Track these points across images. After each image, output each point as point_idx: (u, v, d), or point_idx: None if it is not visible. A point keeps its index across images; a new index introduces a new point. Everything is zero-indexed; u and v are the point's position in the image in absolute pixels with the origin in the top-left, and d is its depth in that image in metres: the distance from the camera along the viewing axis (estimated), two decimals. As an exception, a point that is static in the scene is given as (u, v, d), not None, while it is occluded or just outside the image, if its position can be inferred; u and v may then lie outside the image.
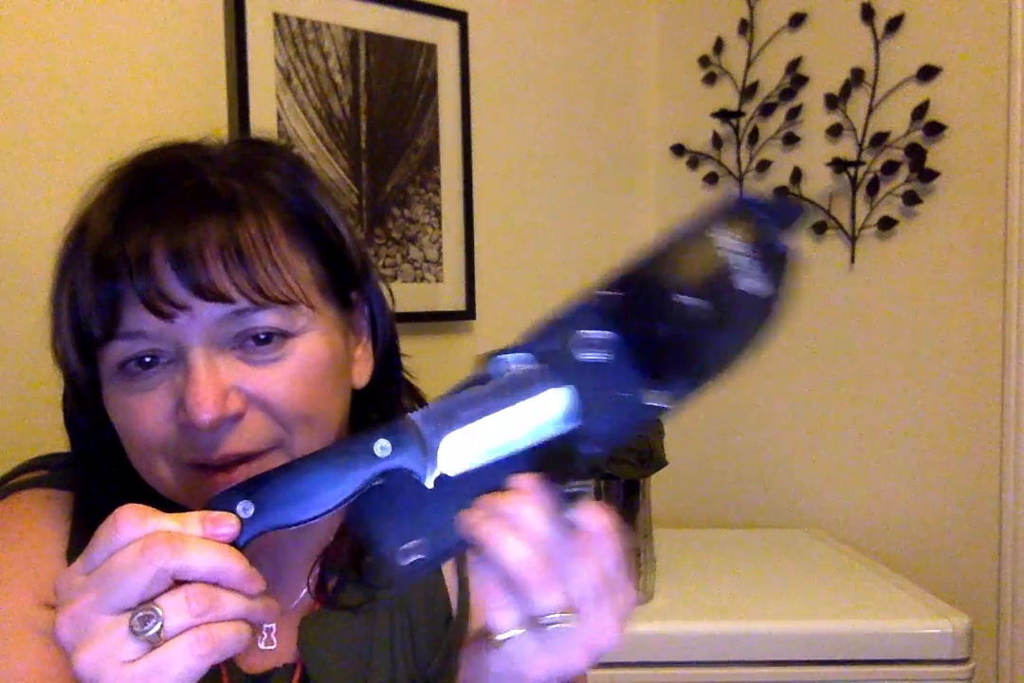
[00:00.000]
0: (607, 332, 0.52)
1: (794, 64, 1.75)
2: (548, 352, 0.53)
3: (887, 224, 1.64)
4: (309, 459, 0.51)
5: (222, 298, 0.57)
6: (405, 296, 1.60)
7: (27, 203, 1.21)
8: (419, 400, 0.74)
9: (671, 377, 0.51)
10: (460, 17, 1.66)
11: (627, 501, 1.31)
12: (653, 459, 1.29)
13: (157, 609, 0.44)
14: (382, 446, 0.51)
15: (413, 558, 0.52)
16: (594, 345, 0.52)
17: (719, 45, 1.87)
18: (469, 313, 1.70)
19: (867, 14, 1.64)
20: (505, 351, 0.53)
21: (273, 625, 0.68)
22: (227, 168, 0.61)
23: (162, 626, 0.44)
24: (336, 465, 0.51)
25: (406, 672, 0.68)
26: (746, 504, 1.87)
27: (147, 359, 0.58)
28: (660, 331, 0.50)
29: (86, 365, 0.61)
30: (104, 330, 0.57)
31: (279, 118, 1.44)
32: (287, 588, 0.69)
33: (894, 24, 1.61)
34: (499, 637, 0.49)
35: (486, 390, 0.53)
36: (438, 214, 1.65)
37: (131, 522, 0.46)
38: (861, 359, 1.70)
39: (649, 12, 1.97)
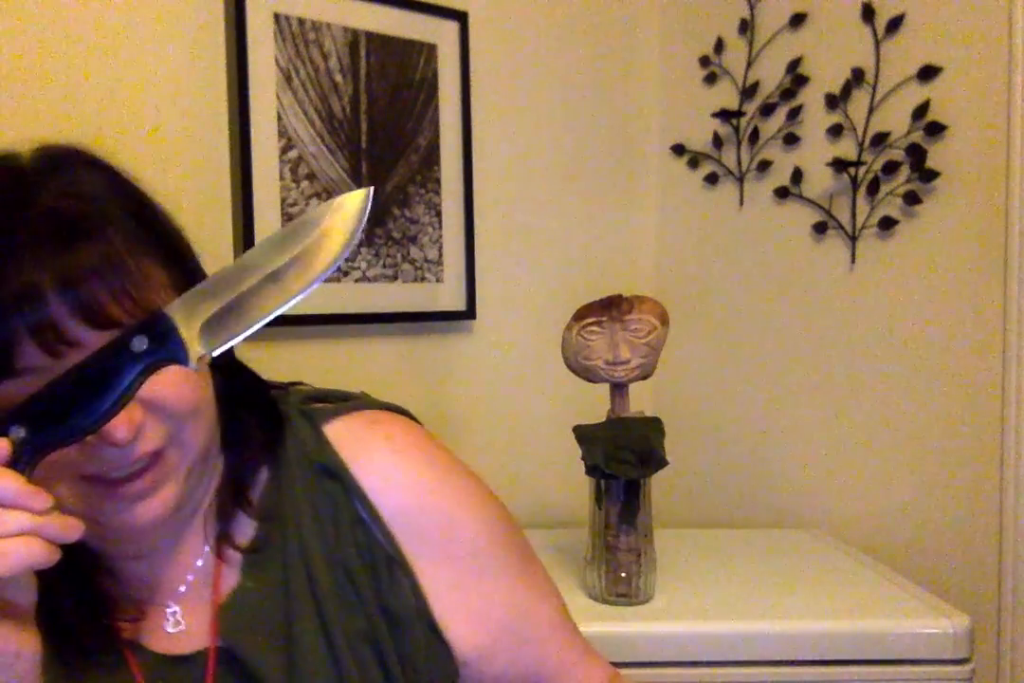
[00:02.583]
0: None
1: (794, 64, 1.75)
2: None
3: (887, 224, 1.64)
4: (71, 370, 0.53)
5: (113, 324, 0.58)
6: (405, 296, 1.60)
7: (27, 203, 1.21)
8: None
9: None
10: (460, 17, 1.66)
11: (627, 501, 1.31)
12: (653, 459, 1.29)
13: None
14: (139, 342, 0.53)
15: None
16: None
17: (719, 45, 1.87)
18: (469, 313, 1.70)
19: (867, 14, 1.64)
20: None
21: (177, 607, 0.69)
22: (63, 191, 0.60)
23: None
24: (98, 371, 0.53)
25: (354, 626, 0.69)
26: (746, 504, 1.87)
27: None
28: None
29: None
30: None
31: (279, 118, 1.44)
32: (191, 553, 0.70)
33: (894, 24, 1.61)
34: None
35: (234, 266, 0.56)
36: (438, 214, 1.65)
37: None
38: (861, 359, 1.70)
39: (649, 12, 1.97)
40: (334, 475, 0.72)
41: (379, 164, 1.57)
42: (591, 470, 1.31)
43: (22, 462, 0.51)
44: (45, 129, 1.23)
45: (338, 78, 1.52)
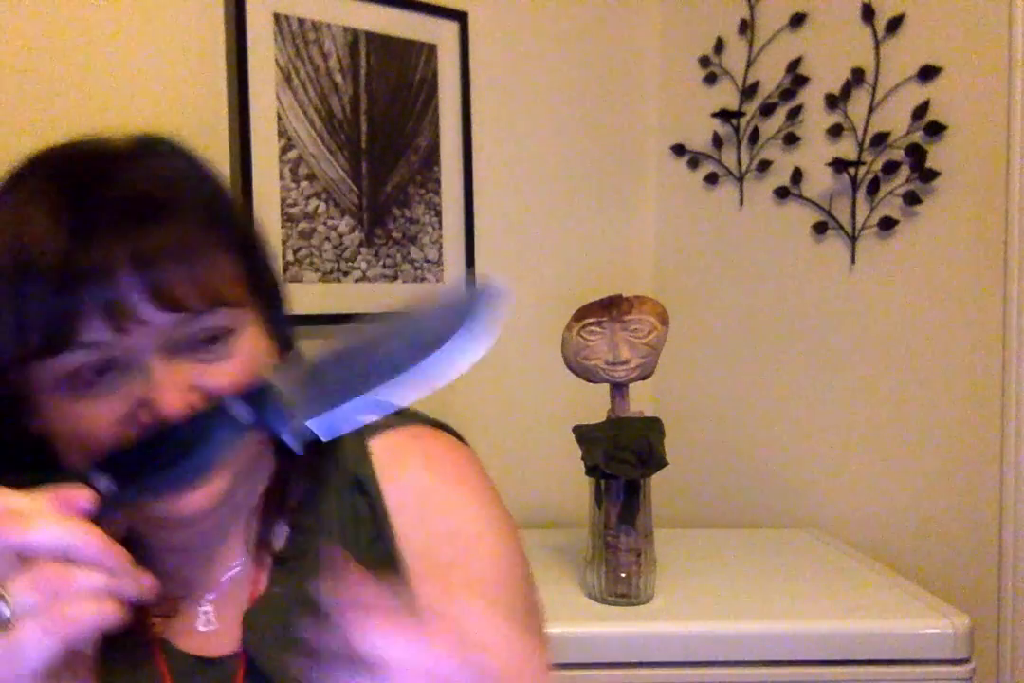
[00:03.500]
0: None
1: (794, 64, 1.75)
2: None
3: (887, 224, 1.64)
4: (170, 429, 0.52)
5: (181, 307, 0.58)
6: (405, 296, 1.60)
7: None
8: None
9: None
10: (460, 17, 1.66)
11: (627, 501, 1.31)
12: (653, 459, 1.29)
13: (3, 592, 0.44)
14: (242, 411, 0.52)
15: None
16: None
17: (719, 45, 1.87)
18: (469, 313, 1.70)
19: (867, 14, 1.64)
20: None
21: (210, 608, 0.69)
22: (147, 174, 0.62)
23: (13, 609, 0.44)
24: (197, 434, 0.52)
25: None
26: (746, 504, 1.87)
27: (99, 368, 0.58)
28: None
29: (7, 382, 0.60)
30: (55, 343, 0.57)
31: (279, 118, 1.44)
32: (229, 554, 0.70)
33: (894, 24, 1.61)
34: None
35: (349, 343, 0.54)
36: (438, 214, 1.65)
37: None
38: (861, 359, 1.70)
39: (649, 12, 1.97)
40: (364, 490, 0.71)
41: (379, 164, 1.57)
42: (591, 470, 1.31)
43: (104, 516, 0.49)
44: (45, 129, 1.23)
45: (338, 78, 1.52)
